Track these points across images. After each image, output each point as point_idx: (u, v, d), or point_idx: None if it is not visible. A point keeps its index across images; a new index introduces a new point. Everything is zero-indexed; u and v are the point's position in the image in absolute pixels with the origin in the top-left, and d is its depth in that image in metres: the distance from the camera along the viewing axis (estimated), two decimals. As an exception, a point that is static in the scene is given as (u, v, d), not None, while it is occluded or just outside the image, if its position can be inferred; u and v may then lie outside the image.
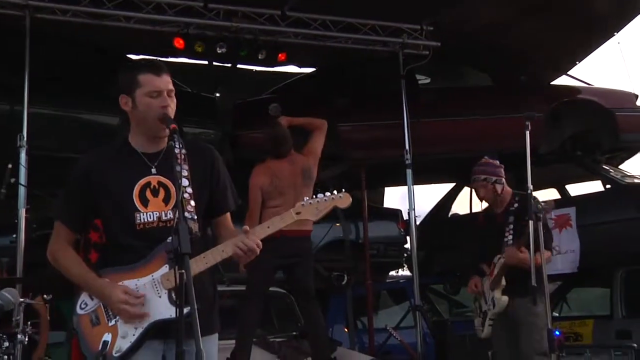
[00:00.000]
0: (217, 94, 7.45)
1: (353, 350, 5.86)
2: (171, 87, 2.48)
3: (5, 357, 3.43)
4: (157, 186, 2.46)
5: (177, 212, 2.28)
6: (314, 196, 2.46)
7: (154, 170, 2.47)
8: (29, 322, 3.99)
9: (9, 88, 5.64)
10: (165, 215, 2.43)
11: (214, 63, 6.98)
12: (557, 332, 5.74)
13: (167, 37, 6.34)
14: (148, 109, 2.43)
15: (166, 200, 2.45)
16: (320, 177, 7.39)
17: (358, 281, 6.85)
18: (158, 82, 2.44)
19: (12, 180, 4.75)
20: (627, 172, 7.42)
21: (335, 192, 2.46)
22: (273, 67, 7.42)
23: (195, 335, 2.12)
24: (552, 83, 8.14)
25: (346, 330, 6.77)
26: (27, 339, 3.93)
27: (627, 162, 8.12)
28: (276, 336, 5.34)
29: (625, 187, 6.79)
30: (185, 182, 2.41)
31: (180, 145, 2.42)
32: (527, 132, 4.13)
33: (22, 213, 5.08)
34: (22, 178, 5.12)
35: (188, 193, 2.40)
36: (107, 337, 2.37)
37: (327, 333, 5.09)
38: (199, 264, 2.38)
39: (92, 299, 2.43)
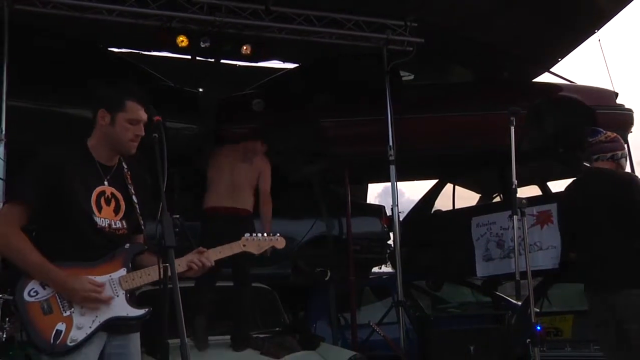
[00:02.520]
0: (200, 89, 7.41)
1: (336, 346, 5.86)
2: (146, 118, 2.71)
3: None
4: (109, 196, 2.68)
5: (161, 205, 2.38)
6: (256, 234, 2.95)
7: (106, 182, 2.69)
8: (7, 319, 3.95)
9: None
10: (115, 224, 2.67)
11: (197, 58, 6.93)
12: (538, 327, 5.82)
13: (149, 31, 6.29)
14: (123, 133, 2.68)
15: (116, 211, 2.69)
16: (304, 173, 7.49)
17: (341, 277, 6.85)
18: (141, 112, 2.70)
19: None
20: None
21: (272, 234, 2.98)
22: (257, 62, 7.39)
23: (181, 335, 2.33)
24: (534, 80, 8.20)
25: (329, 326, 6.76)
26: (4, 336, 3.90)
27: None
28: (259, 332, 5.34)
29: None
30: (135, 199, 2.70)
31: (126, 166, 2.76)
32: (512, 128, 4.14)
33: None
34: (1, 172, 5.07)
35: (138, 209, 2.70)
36: (61, 326, 2.46)
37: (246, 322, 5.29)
38: (151, 276, 2.59)
39: (44, 288, 2.50)
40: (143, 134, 2.69)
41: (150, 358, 3.93)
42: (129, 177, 2.74)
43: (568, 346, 5.45)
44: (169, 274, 2.33)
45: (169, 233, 2.35)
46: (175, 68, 7.29)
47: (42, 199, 2.57)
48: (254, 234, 2.90)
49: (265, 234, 2.94)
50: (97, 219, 2.61)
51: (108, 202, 2.67)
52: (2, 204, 4.99)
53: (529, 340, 4.87)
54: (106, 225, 2.63)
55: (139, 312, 2.59)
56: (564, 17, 6.98)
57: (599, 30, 7.26)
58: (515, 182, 4.13)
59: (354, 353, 5.05)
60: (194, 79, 7.38)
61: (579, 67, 10.66)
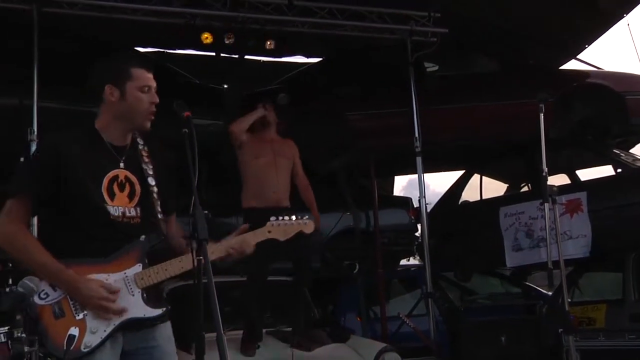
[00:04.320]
0: (225, 85, 7.46)
1: (366, 338, 5.87)
2: (155, 84, 2.51)
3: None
4: (123, 180, 2.44)
5: (193, 199, 2.31)
6: (282, 218, 2.66)
7: (122, 165, 2.46)
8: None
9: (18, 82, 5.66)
10: (129, 212, 2.43)
11: (222, 54, 6.97)
12: (571, 317, 5.75)
13: (174, 29, 6.34)
14: (138, 102, 2.44)
15: (131, 196, 2.44)
16: (330, 167, 7.50)
17: (369, 270, 6.86)
18: (149, 77, 2.47)
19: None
20: (638, 156, 7.37)
21: (301, 217, 2.70)
22: (280, 57, 7.40)
23: (217, 328, 2.16)
24: (561, 67, 8.08)
25: (358, 319, 6.77)
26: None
27: (638, 146, 8.08)
28: (289, 326, 5.37)
29: (636, 171, 6.75)
30: (152, 181, 2.46)
31: (142, 142, 2.51)
32: (542, 115, 4.09)
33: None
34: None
35: (155, 192, 2.46)
36: (74, 331, 2.29)
37: (304, 323, 5.19)
38: (169, 271, 2.42)
39: (54, 290, 2.34)
40: (158, 100, 2.46)
41: (184, 353, 3.92)
42: (145, 155, 2.49)
43: (602, 336, 5.37)
44: (202, 267, 2.24)
45: (202, 226, 2.20)
46: (200, 65, 7.34)
47: (46, 188, 2.35)
48: (280, 218, 2.65)
49: (292, 217, 2.67)
50: (110, 208, 2.38)
51: (122, 188, 2.43)
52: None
53: (561, 329, 4.85)
54: (120, 214, 2.40)
55: (157, 312, 2.40)
56: (591, 1, 6.87)
57: (628, 14, 7.13)
58: (546, 169, 4.08)
59: (384, 345, 5.04)
60: (219, 75, 7.43)
61: (608, 53, 10.46)
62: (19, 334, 3.62)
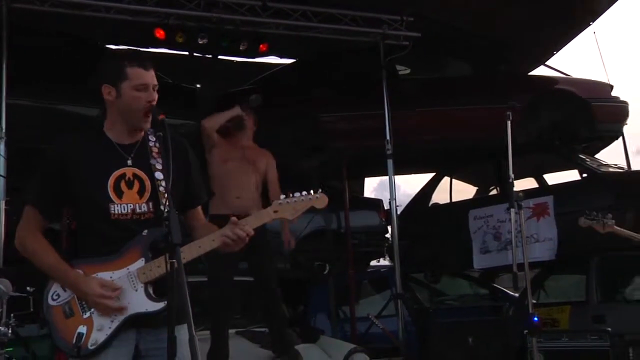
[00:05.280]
0: (198, 85, 7.46)
1: (335, 339, 5.92)
2: (156, 81, 2.51)
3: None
4: (131, 178, 2.47)
5: (166, 202, 2.33)
6: (292, 195, 2.48)
7: (129, 162, 2.48)
8: (12, 314, 3.98)
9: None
10: (140, 208, 2.45)
11: (195, 54, 6.97)
12: (535, 318, 5.89)
13: (147, 28, 6.32)
14: (134, 101, 2.45)
15: (140, 193, 2.46)
16: (302, 167, 7.54)
17: (340, 271, 6.92)
18: (146, 76, 2.47)
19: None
20: (603, 161, 7.58)
21: (312, 192, 2.49)
22: (254, 58, 7.43)
23: (189, 322, 2.19)
24: (530, 73, 8.26)
25: (329, 319, 6.83)
26: (10, 332, 3.92)
27: (602, 151, 8.29)
28: (259, 326, 5.39)
29: (601, 176, 6.94)
30: (159, 175, 2.46)
31: (154, 139, 2.49)
32: (509, 122, 4.20)
33: (2, 205, 5.06)
34: (2, 169, 5.11)
35: (163, 187, 2.45)
36: (82, 329, 2.37)
37: (286, 327, 5.07)
38: (192, 252, 2.42)
39: (64, 290, 2.42)
40: (155, 98, 2.46)
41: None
42: (154, 151, 2.49)
43: (565, 337, 5.52)
44: (175, 270, 2.25)
45: (176, 230, 2.21)
46: (172, 64, 7.32)
47: (53, 198, 2.46)
48: (289, 194, 2.45)
49: (303, 193, 2.45)
50: (116, 207, 2.42)
51: (130, 185, 2.46)
52: (3, 202, 5.06)
53: (526, 331, 4.98)
54: (129, 211, 2.43)
55: (159, 306, 2.39)
56: (559, 10, 7.04)
57: (594, 23, 7.34)
58: (512, 175, 4.18)
59: (354, 346, 5.09)
60: (192, 75, 7.43)
61: (575, 60, 10.73)
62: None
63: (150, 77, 2.49)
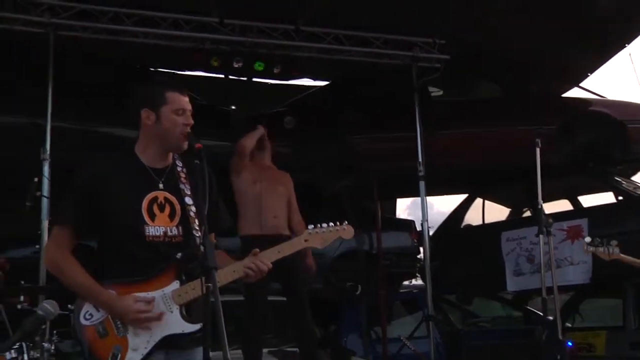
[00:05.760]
0: (233, 107, 7.62)
1: (366, 360, 5.96)
2: (190, 107, 2.61)
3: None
4: (163, 201, 2.53)
5: (201, 227, 2.39)
6: (320, 225, 2.62)
7: (161, 186, 2.55)
8: (54, 331, 4.11)
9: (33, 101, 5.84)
10: (171, 231, 2.51)
11: (230, 77, 7.14)
12: (569, 343, 5.83)
13: (183, 52, 6.51)
14: (173, 125, 2.54)
15: (171, 216, 2.53)
16: (334, 189, 7.62)
17: (372, 291, 6.96)
18: (183, 100, 2.58)
19: (38, 193, 4.93)
20: (639, 184, 7.49)
21: (339, 223, 2.63)
22: (288, 80, 7.57)
23: (223, 348, 2.25)
24: (563, 95, 8.23)
25: (360, 340, 6.86)
26: (53, 348, 4.05)
27: (639, 173, 8.20)
28: (291, 345, 5.46)
29: (637, 199, 6.86)
30: (189, 200, 2.54)
31: (181, 164, 2.59)
32: (537, 150, 4.24)
33: (45, 224, 5.23)
34: (45, 190, 5.30)
35: (192, 211, 2.52)
36: (117, 349, 2.41)
37: (317, 347, 5.11)
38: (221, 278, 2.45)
39: (97, 310, 2.45)
40: (192, 122, 2.55)
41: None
42: (182, 176, 2.57)
43: (600, 363, 5.46)
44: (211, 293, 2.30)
45: (211, 254, 2.28)
46: (208, 86, 7.51)
47: (87, 218, 2.49)
48: (318, 225, 2.58)
49: (330, 224, 2.59)
50: (150, 229, 2.48)
51: (162, 208, 2.52)
52: (46, 222, 5.25)
53: (559, 356, 4.93)
54: (161, 233, 2.49)
55: (195, 327, 2.45)
56: (593, 31, 7.02)
57: (630, 45, 7.28)
58: (541, 202, 4.20)
59: (384, 367, 5.13)
60: (227, 97, 7.60)
61: (610, 82, 10.63)
62: (36, 355, 3.76)
63: (186, 102, 2.60)
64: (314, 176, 6.99)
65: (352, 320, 7.00)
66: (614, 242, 4.36)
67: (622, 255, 4.47)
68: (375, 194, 7.12)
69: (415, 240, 7.61)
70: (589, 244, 4.31)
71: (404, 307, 7.80)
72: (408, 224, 7.91)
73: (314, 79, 8.12)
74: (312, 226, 2.62)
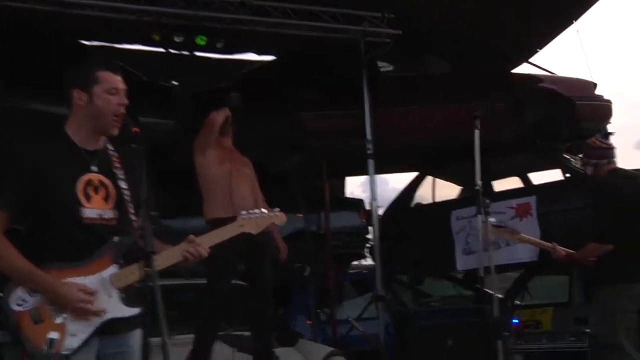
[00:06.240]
0: (174, 83, 7.57)
1: (314, 342, 6.09)
2: (125, 86, 2.64)
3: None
4: (98, 184, 2.56)
5: (140, 211, 2.46)
6: (253, 212, 2.75)
7: (95, 168, 2.58)
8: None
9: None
10: (106, 214, 2.55)
11: (171, 51, 7.09)
12: (515, 320, 6.13)
13: (123, 24, 6.42)
14: (106, 105, 2.57)
15: (106, 199, 2.57)
16: (282, 167, 7.70)
17: (320, 272, 7.09)
18: (116, 80, 2.61)
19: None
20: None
21: (273, 210, 2.79)
22: (232, 55, 7.56)
23: (162, 333, 2.35)
24: (513, 71, 8.47)
25: (309, 322, 7.00)
26: None
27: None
28: (237, 329, 5.53)
29: (583, 176, 7.16)
30: (123, 184, 2.57)
31: (113, 148, 2.63)
32: (476, 131, 4.43)
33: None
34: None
35: (127, 195, 2.57)
36: (54, 335, 2.42)
37: (271, 338, 5.11)
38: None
39: (30, 295, 2.45)
40: (126, 102, 2.59)
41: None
42: (115, 160, 2.61)
43: (544, 338, 5.75)
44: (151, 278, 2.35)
45: (149, 238, 2.37)
46: (148, 61, 7.43)
47: (22, 200, 2.49)
48: (251, 211, 2.73)
49: (263, 210, 2.75)
50: (86, 211, 2.51)
51: (97, 190, 2.56)
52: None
53: (507, 333, 5.20)
54: (96, 216, 2.53)
55: (134, 311, 2.53)
56: (542, 7, 7.24)
57: (577, 21, 7.54)
58: (480, 182, 4.41)
59: (332, 349, 5.25)
60: (168, 72, 7.54)
61: (558, 58, 10.99)
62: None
63: (120, 81, 2.63)
64: (261, 154, 7.04)
65: (301, 303, 7.12)
66: (510, 223, 4.70)
67: (523, 236, 4.84)
68: (323, 172, 7.22)
69: (364, 220, 7.76)
70: (493, 226, 4.62)
71: (354, 288, 7.98)
72: (356, 203, 8.06)
73: (260, 54, 8.12)
74: (245, 212, 2.75)
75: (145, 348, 2.76)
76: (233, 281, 5.20)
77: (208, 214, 4.98)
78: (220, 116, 5.13)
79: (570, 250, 4.74)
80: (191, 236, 2.63)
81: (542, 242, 5.03)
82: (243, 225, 2.73)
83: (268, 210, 2.79)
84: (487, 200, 4.57)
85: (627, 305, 4.33)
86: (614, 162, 4.69)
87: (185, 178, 5.75)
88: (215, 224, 4.61)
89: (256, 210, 2.76)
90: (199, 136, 5.14)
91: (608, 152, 4.70)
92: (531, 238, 5.07)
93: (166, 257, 2.57)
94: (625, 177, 4.66)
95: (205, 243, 2.63)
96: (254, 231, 2.74)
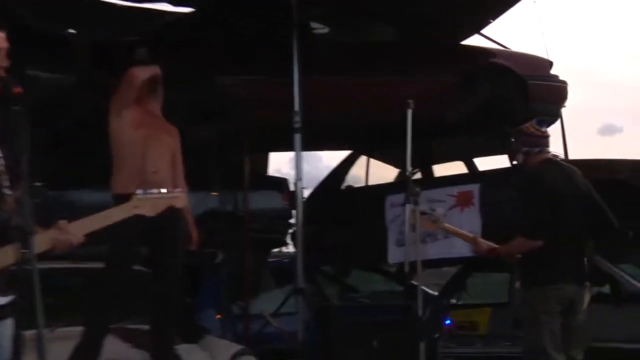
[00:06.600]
0: (72, 31, 7.30)
1: (222, 340, 6.04)
2: (6, 44, 2.59)
3: None
4: None
5: (18, 184, 2.39)
6: (150, 192, 2.74)
7: None
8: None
9: None
10: None
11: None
12: (448, 321, 6.24)
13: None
14: None
15: None
16: (198, 137, 7.55)
17: (235, 260, 7.05)
18: None
19: None
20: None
21: (174, 191, 2.82)
22: (141, 3, 7.36)
23: (39, 324, 2.33)
24: (463, 42, 8.56)
25: (218, 316, 6.96)
26: None
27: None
28: (134, 322, 5.42)
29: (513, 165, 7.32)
30: None
31: None
32: (409, 111, 4.49)
33: None
34: None
35: (3, 165, 2.53)
36: None
37: (173, 333, 5.04)
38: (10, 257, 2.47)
39: None
40: (7, 64, 2.57)
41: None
42: None
43: (478, 342, 5.89)
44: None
45: (29, 217, 2.34)
46: (41, 6, 7.15)
47: None
48: (148, 191, 2.74)
49: (161, 190, 2.78)
50: None
51: None
52: None
53: (437, 335, 5.31)
54: None
55: (4, 299, 2.52)
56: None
57: (536, -11, 7.66)
58: (410, 169, 4.47)
59: (241, 347, 5.20)
60: (65, 19, 7.27)
61: (512, 31, 11.17)
62: None
63: (2, 39, 2.57)
64: (174, 121, 6.89)
65: (210, 294, 7.06)
66: (440, 211, 4.82)
67: (446, 225, 4.96)
68: (244, 145, 7.15)
69: (288, 202, 7.74)
70: (413, 211, 4.73)
71: (273, 278, 7.98)
72: (279, 183, 8.00)
73: (175, 4, 7.93)
74: (142, 191, 2.74)
75: (17, 341, 2.69)
76: (135, 267, 5.07)
77: (114, 187, 4.82)
78: (143, 73, 4.97)
79: (494, 245, 4.84)
80: (61, 222, 2.59)
81: (463, 233, 5.14)
82: (137, 207, 2.72)
83: (167, 191, 2.78)
84: (417, 189, 4.63)
85: (553, 307, 4.44)
86: (547, 152, 4.79)
87: (86, 142, 5.58)
88: (120, 200, 4.65)
89: (154, 190, 2.74)
90: (116, 94, 4.97)
91: (541, 140, 4.80)
92: (452, 227, 5.20)
93: (35, 242, 2.49)
94: (559, 168, 4.77)
95: (79, 230, 2.60)
96: (150, 213, 2.73)
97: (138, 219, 2.74)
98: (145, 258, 5.08)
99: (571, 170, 4.77)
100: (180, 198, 2.83)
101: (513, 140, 4.91)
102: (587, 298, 4.55)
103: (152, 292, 5.01)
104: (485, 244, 4.86)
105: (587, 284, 4.55)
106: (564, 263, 4.50)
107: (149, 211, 2.73)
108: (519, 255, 4.67)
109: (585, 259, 4.59)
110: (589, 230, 4.62)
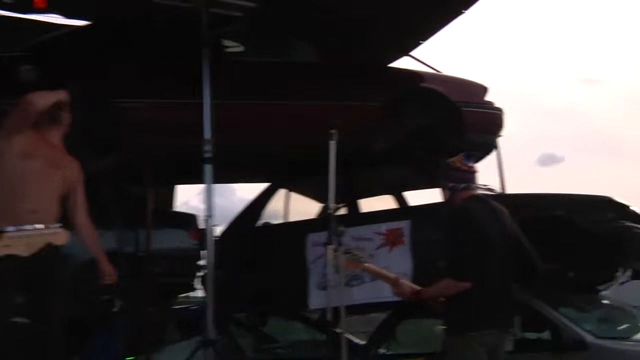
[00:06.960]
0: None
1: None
2: None
3: None
4: None
5: None
6: (25, 227, 2.63)
7: None
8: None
9: None
10: None
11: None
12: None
13: None
14: None
15: None
16: (93, 168, 7.46)
17: (135, 308, 6.96)
18: None
19: None
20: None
21: (49, 226, 2.65)
22: (27, 14, 7.30)
23: None
24: (390, 65, 8.77)
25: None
26: None
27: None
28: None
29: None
30: None
31: None
32: (332, 142, 4.60)
33: None
34: None
35: None
36: None
37: None
38: None
39: None
40: None
41: None
42: None
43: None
44: None
45: None
46: None
47: None
48: (21, 227, 2.76)
49: (37, 226, 2.80)
50: None
51: None
52: None
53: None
54: None
55: None
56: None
57: (467, 11, 7.93)
58: (333, 205, 4.57)
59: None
60: None
61: (444, 54, 11.55)
62: None
63: None
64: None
65: (104, 348, 6.96)
66: (358, 253, 4.98)
67: (367, 265, 5.12)
68: (147, 177, 7.11)
69: (196, 241, 7.71)
70: (335, 251, 4.87)
71: (179, 329, 7.91)
72: (187, 219, 7.97)
73: (68, 16, 7.89)
74: (14, 227, 2.63)
75: None
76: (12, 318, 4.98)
77: None
78: (42, 100, 4.97)
79: (417, 287, 4.96)
80: None
81: (384, 273, 5.24)
82: (9, 246, 2.67)
83: (45, 227, 2.69)
84: (341, 228, 4.74)
85: (479, 353, 4.57)
86: (473, 188, 4.96)
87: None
88: None
89: (27, 227, 2.65)
90: (9, 118, 4.94)
91: (468, 175, 4.97)
92: (373, 267, 5.32)
93: None
94: (485, 205, 4.92)
95: None
96: (24, 253, 2.70)
97: (10, 260, 2.68)
98: (20, 307, 4.96)
99: (498, 208, 4.94)
100: (61, 234, 2.76)
101: (440, 176, 5.07)
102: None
103: (28, 349, 4.82)
104: (408, 286, 4.97)
105: (511, 329, 4.72)
106: (490, 307, 4.62)
107: (23, 250, 2.66)
108: (442, 299, 4.78)
109: (511, 302, 4.75)
110: (514, 272, 4.78)
